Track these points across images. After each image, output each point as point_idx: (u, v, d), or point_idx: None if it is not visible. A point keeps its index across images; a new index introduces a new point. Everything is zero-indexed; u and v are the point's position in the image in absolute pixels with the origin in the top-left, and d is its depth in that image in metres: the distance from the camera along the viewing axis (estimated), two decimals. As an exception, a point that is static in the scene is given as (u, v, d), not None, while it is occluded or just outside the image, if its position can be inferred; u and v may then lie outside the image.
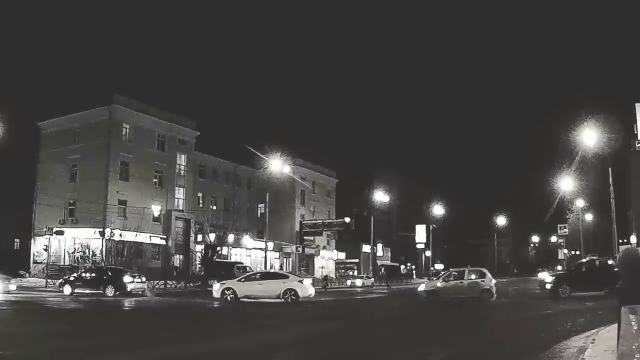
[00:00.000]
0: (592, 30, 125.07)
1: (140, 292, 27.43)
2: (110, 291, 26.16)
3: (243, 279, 24.97)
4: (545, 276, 30.02)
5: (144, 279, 28.57)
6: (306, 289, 23.74)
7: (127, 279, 27.05)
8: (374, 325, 15.31)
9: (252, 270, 43.83)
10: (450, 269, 27.51)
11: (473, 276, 24.59)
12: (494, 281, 24.66)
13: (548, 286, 24.38)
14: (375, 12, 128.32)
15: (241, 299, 23.37)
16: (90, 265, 36.76)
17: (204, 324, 15.93)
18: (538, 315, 17.25)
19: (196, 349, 9.76)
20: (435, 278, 30.88)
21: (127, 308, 21.29)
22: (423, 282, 30.84)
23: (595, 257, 26.09)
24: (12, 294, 24.60)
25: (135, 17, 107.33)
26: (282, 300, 22.75)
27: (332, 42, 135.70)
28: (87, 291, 26.68)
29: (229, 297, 23.36)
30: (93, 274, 28.21)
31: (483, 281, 24.01)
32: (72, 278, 28.48)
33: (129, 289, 26.60)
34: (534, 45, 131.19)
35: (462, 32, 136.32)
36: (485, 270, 25.24)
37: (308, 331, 13.32)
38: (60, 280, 29.17)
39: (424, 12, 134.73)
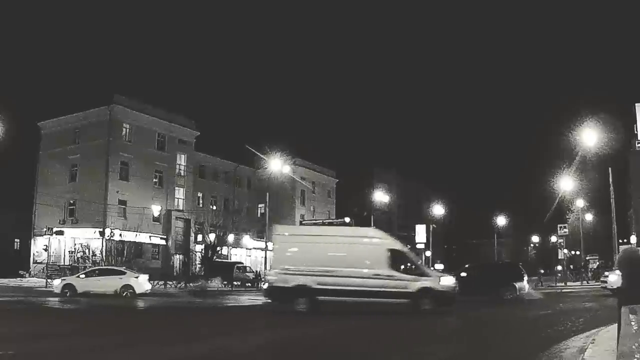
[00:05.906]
0: (592, 31, 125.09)
1: None
2: None
3: (83, 275, 25.86)
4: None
5: None
6: (142, 285, 25.09)
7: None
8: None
9: (252, 270, 44.15)
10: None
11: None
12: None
13: None
14: (374, 12, 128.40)
15: (80, 295, 23.72)
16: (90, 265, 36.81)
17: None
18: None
19: None
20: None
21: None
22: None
23: (484, 262, 25.59)
24: None
25: (135, 17, 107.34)
26: (121, 296, 23.73)
27: (332, 42, 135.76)
28: None
29: (68, 293, 24.00)
30: None
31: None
32: None
33: None
34: (534, 45, 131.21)
35: (461, 32, 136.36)
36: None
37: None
38: None
39: (424, 12, 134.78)
